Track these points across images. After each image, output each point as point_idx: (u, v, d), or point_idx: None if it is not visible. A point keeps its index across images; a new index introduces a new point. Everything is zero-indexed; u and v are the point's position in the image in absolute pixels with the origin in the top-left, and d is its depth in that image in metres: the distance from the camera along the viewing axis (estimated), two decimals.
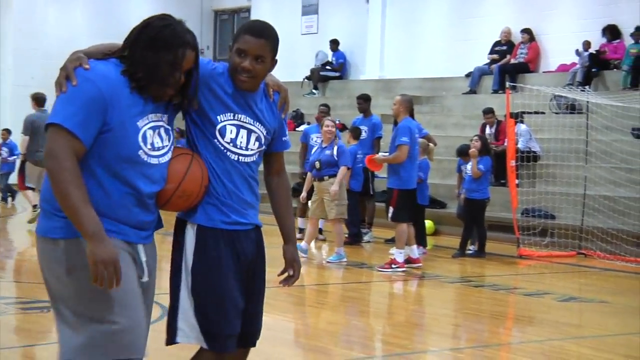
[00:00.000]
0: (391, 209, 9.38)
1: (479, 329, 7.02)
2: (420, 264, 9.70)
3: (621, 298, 8.50)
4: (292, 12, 20.05)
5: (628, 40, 15.11)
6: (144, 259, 3.02)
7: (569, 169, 12.85)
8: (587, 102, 12.51)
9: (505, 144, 12.19)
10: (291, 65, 17.51)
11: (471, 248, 11.06)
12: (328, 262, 9.90)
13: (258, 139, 3.26)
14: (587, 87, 13.46)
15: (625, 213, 11.49)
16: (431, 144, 11.33)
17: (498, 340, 6.80)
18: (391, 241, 10.98)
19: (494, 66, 16.58)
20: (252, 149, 3.25)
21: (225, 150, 3.19)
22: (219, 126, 3.18)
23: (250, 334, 3.34)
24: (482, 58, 17.10)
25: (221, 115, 3.18)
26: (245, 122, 3.23)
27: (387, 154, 9.77)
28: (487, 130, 13.83)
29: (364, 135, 11.86)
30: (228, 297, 3.20)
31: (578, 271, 10.46)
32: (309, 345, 6.15)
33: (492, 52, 17.00)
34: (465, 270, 10.09)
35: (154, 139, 2.97)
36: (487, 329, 7.02)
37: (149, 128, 2.95)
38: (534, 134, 13.47)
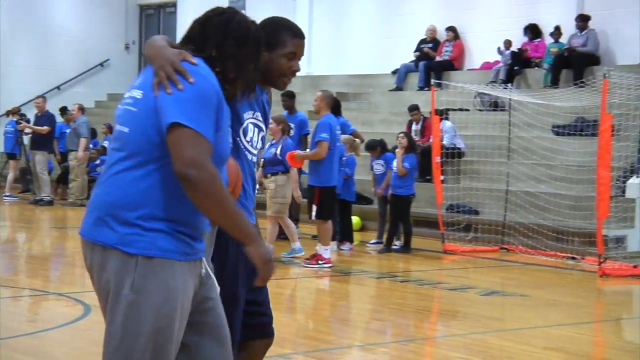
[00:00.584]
0: (314, 207, 9.40)
1: (404, 323, 7.11)
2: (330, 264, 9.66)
3: (541, 292, 8.70)
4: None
5: (548, 40, 15.48)
6: (204, 270, 2.77)
7: (492, 165, 13.08)
8: (510, 99, 12.75)
9: (431, 140, 12.35)
10: None
11: (397, 243, 11.17)
12: None
13: (262, 137, 3.24)
14: (509, 84, 13.69)
15: (545, 208, 11.74)
16: (357, 140, 11.40)
17: (423, 335, 6.90)
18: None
19: (420, 63, 16.78)
20: (257, 148, 3.22)
21: (244, 150, 3.14)
22: (244, 125, 3.12)
23: (267, 323, 3.29)
24: (408, 55, 17.29)
25: (246, 114, 3.13)
26: (259, 120, 3.20)
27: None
28: (414, 126, 13.99)
29: (291, 132, 11.84)
30: (240, 306, 3.13)
31: (500, 266, 10.68)
32: None
33: (417, 49, 17.20)
34: (391, 266, 10.20)
35: None
36: (412, 324, 7.11)
37: None
38: (459, 130, 13.69)
